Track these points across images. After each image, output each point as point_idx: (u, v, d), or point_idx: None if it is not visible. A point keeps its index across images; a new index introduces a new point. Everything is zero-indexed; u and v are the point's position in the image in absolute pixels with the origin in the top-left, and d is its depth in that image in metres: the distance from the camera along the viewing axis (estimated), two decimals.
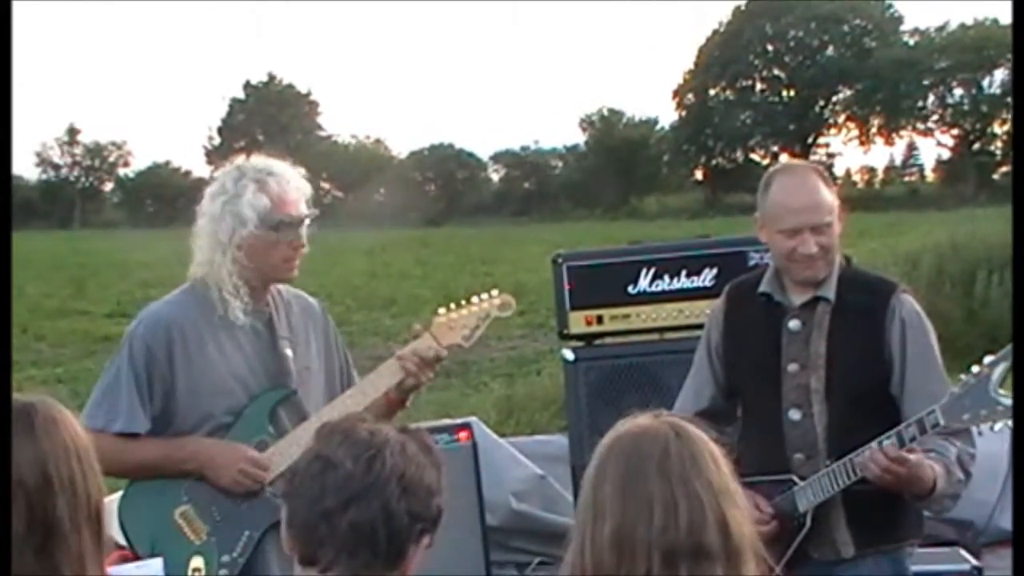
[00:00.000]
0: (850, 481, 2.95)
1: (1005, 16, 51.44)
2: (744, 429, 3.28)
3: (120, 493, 3.12)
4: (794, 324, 3.12)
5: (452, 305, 3.31)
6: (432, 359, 3.22)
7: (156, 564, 2.85)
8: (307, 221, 3.19)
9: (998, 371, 2.76)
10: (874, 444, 2.88)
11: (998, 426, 2.79)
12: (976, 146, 50.14)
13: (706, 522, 1.80)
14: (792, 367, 3.11)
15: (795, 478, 3.08)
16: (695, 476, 1.83)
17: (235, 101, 64.37)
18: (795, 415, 3.10)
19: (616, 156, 53.97)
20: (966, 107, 50.50)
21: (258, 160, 3.23)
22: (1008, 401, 2.74)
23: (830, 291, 3.09)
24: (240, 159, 3.25)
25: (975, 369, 2.80)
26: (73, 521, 1.83)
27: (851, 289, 3.11)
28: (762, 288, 3.18)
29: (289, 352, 3.19)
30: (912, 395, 3.00)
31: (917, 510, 3.08)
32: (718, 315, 3.34)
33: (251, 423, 3.13)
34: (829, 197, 3.07)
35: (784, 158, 54.63)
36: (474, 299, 3.33)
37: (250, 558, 3.08)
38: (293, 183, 3.18)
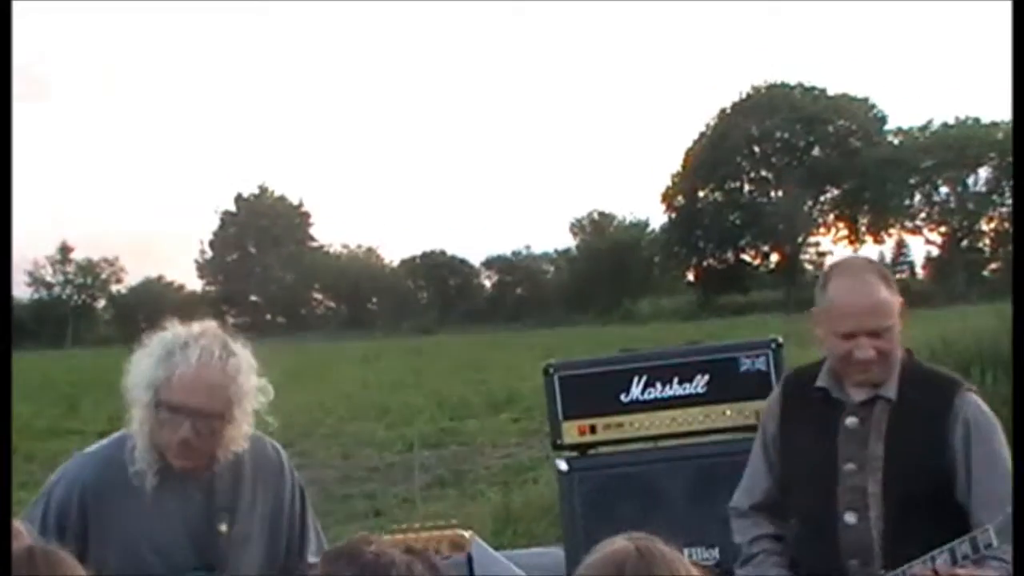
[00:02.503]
0: None
1: (986, 115, 52.43)
2: (799, 528, 3.17)
3: None
4: (851, 422, 3.01)
5: (404, 525, 3.15)
6: None
7: None
8: (207, 417, 2.83)
9: None
10: (928, 562, 2.77)
11: None
12: (964, 243, 50.55)
13: None
14: (848, 467, 2.99)
15: None
16: None
17: (227, 214, 64.82)
18: (851, 518, 2.98)
19: (608, 259, 54.36)
20: (952, 205, 51.10)
21: (190, 330, 2.92)
22: None
23: (891, 390, 2.98)
24: (185, 327, 2.95)
25: None
26: None
27: (912, 387, 2.98)
28: (819, 383, 3.07)
29: (224, 527, 2.94)
30: (981, 502, 2.87)
31: None
32: (774, 407, 3.22)
33: None
34: (889, 298, 2.95)
35: (775, 258, 55.17)
36: (428, 523, 3.18)
37: None
38: (200, 369, 2.83)
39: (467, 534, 3.18)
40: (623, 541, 1.94)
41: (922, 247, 48.86)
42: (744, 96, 54.94)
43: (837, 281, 3.03)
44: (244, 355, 2.94)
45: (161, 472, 2.91)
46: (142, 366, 2.88)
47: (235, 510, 2.99)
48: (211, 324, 2.99)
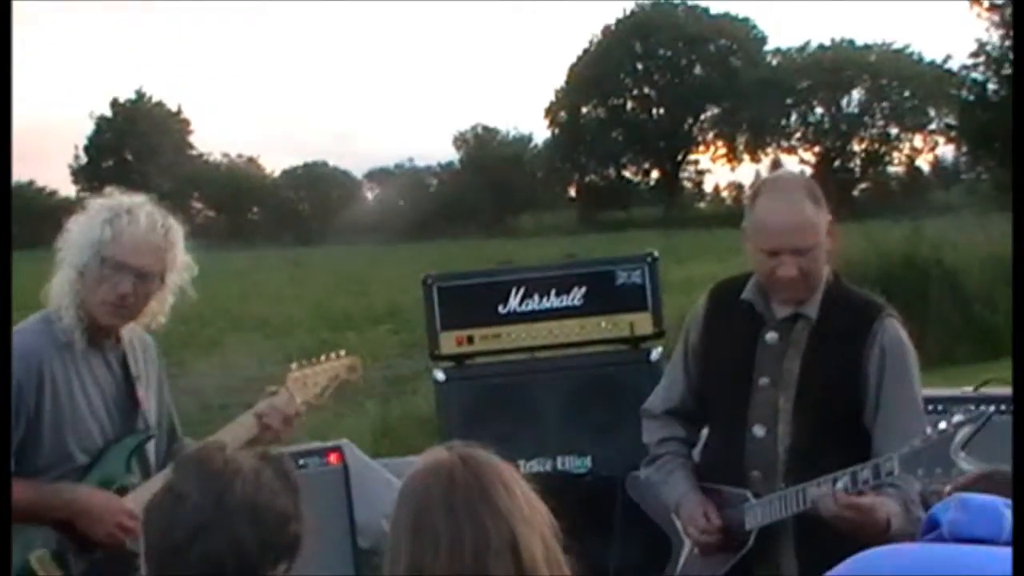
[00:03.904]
0: (798, 510, 2.86)
1: (860, 37, 53.35)
2: (709, 436, 3.22)
3: None
4: (771, 337, 3.02)
5: (303, 361, 3.32)
6: (292, 415, 3.20)
7: None
8: (148, 277, 3.02)
9: (963, 432, 2.58)
10: (828, 483, 2.78)
11: (948, 488, 2.67)
12: (836, 163, 51.59)
13: (490, 550, 1.79)
14: (763, 381, 3.00)
15: (749, 495, 3.00)
16: (481, 504, 1.82)
17: (102, 119, 62.59)
18: (759, 431, 3.00)
19: (491, 174, 54.15)
20: (826, 126, 52.00)
21: (132, 198, 3.11)
22: (966, 466, 2.52)
23: (812, 309, 2.98)
24: (123, 195, 3.13)
25: (942, 425, 2.62)
26: None
27: (834, 308, 2.98)
28: (744, 295, 3.07)
29: (142, 392, 3.12)
30: (884, 428, 2.90)
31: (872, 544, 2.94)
32: (698, 315, 3.21)
33: (110, 468, 3.03)
34: (815, 217, 2.92)
35: (655, 175, 55.73)
36: (322, 357, 3.35)
37: None
38: (147, 232, 3.03)
39: (357, 361, 3.38)
40: (444, 452, 1.93)
41: (796, 166, 49.64)
42: (628, 13, 54.85)
43: (764, 197, 2.99)
44: (180, 229, 3.12)
45: (87, 338, 3.04)
46: (84, 227, 3.02)
47: (144, 380, 3.15)
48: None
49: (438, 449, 1.95)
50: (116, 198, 3.10)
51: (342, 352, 3.38)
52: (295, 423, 3.23)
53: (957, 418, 2.61)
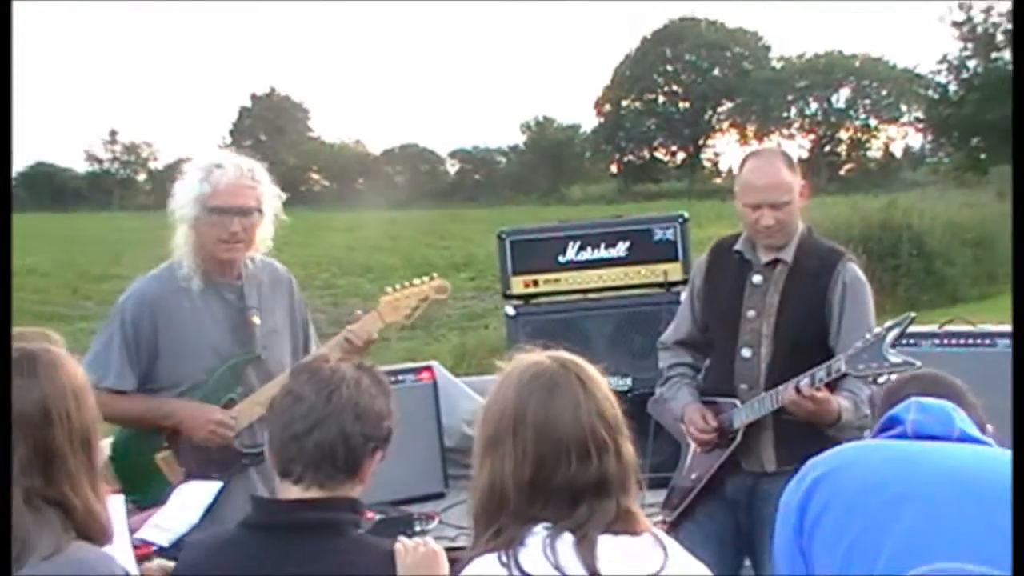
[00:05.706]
0: (772, 408, 2.93)
1: (848, 47, 52.08)
2: (709, 360, 3.25)
3: (110, 439, 2.98)
4: (756, 278, 3.06)
5: (396, 286, 3.13)
6: (372, 338, 3.03)
7: (216, 485, 2.76)
8: (249, 213, 2.92)
9: (892, 334, 2.69)
10: (792, 381, 2.85)
11: (883, 379, 2.67)
12: (827, 148, 50.72)
13: (609, 458, 1.69)
14: (750, 313, 3.04)
15: (737, 402, 3.05)
16: (599, 418, 1.70)
17: (243, 109, 63.37)
18: (746, 353, 3.04)
19: (548, 154, 53.76)
20: (819, 117, 51.08)
21: (219, 154, 3.00)
22: (894, 359, 2.66)
23: (789, 255, 3.03)
24: (209, 153, 3.04)
25: (876, 330, 2.73)
26: (70, 448, 1.70)
27: (807, 254, 3.03)
28: (736, 247, 3.11)
29: (256, 320, 3.01)
30: (844, 346, 2.91)
31: (836, 439, 2.91)
32: (702, 265, 3.27)
33: (221, 383, 2.97)
34: (789, 179, 2.98)
35: (681, 156, 55.02)
36: (415, 280, 3.15)
37: (218, 498, 2.86)
38: (237, 177, 2.91)
39: (445, 283, 3.19)
40: (555, 365, 1.75)
41: (795, 150, 48.62)
42: (661, 26, 54.00)
43: (749, 163, 3.04)
44: (260, 166, 2.99)
45: (203, 278, 2.96)
46: (185, 187, 2.92)
47: (262, 308, 3.03)
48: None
49: (544, 357, 1.75)
50: (203, 157, 2.98)
51: (435, 275, 3.19)
52: (375, 342, 3.05)
53: (888, 323, 2.73)
